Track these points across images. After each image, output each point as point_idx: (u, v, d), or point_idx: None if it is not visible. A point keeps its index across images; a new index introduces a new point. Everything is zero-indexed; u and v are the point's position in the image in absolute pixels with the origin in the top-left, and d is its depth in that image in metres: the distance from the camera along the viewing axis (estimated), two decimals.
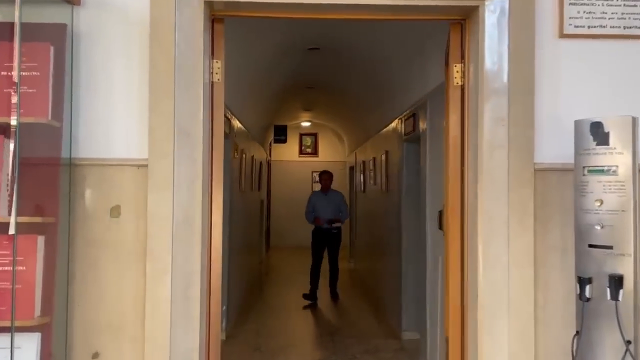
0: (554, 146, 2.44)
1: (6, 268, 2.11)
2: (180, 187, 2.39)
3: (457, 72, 2.74)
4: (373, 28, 4.91)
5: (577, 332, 2.18)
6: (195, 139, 2.45)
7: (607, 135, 2.08)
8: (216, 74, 2.64)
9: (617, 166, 2.06)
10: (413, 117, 4.82)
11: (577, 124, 2.19)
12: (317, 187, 8.47)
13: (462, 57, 2.73)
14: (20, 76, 2.12)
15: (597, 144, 2.10)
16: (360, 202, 9.23)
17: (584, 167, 2.15)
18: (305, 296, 7.33)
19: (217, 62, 2.64)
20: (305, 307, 7.14)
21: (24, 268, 2.13)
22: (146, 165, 2.37)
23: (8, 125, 2.11)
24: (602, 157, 2.09)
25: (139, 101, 2.39)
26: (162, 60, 2.37)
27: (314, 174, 12.13)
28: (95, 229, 2.37)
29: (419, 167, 5.33)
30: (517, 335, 2.41)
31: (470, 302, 2.60)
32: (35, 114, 2.18)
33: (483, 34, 2.50)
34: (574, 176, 2.21)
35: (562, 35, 2.45)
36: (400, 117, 5.48)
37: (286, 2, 2.49)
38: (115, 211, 2.38)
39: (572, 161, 2.42)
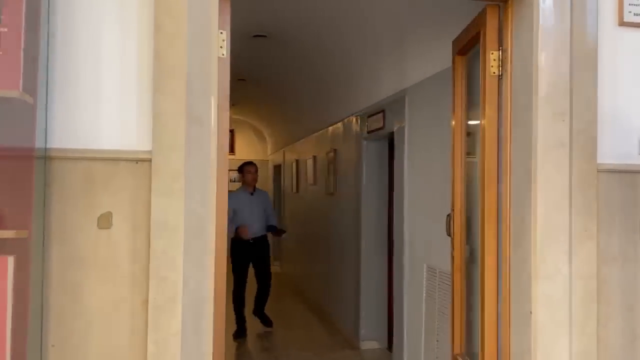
0: (615, 145, 2.21)
1: None
2: (192, 188, 1.86)
3: (494, 60, 2.44)
4: (341, 18, 4.54)
5: None
6: (208, 128, 1.93)
7: None
8: (221, 47, 2.11)
9: None
10: (382, 113, 4.50)
11: None
12: (235, 185, 5.95)
13: (500, 44, 2.44)
14: None
15: None
16: (291, 203, 8.80)
17: None
18: (236, 335, 5.52)
19: (222, 32, 2.11)
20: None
21: None
22: (149, 160, 1.80)
23: None
24: None
25: (139, 75, 1.82)
26: (172, 24, 1.82)
27: (231, 173, 11.48)
28: (78, 244, 1.76)
29: (381, 167, 5.07)
30: (581, 357, 2.14)
31: (516, 319, 2.31)
32: (4, 85, 1.55)
33: (537, 17, 2.21)
34: None
35: (622, 23, 2.23)
36: (359, 113, 5.15)
37: None
38: (104, 220, 1.79)
39: (634, 161, 2.23)
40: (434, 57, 3.59)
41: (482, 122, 2.50)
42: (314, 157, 7.04)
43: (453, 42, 3.00)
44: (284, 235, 6.23)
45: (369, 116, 4.85)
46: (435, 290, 3.57)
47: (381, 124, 4.52)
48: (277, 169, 10.36)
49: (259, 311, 5.87)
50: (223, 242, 2.06)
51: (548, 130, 2.19)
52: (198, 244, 1.87)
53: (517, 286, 2.31)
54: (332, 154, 6.16)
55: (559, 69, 2.18)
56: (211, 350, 1.91)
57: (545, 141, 2.19)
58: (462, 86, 2.95)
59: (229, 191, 4.15)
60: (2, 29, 1.56)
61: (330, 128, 6.28)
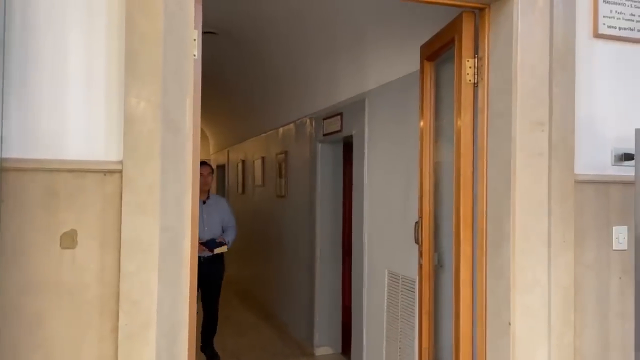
0: (590, 155, 2.23)
1: None
2: (167, 201, 1.69)
3: (470, 67, 2.41)
4: (297, 18, 4.43)
5: None
6: (183, 134, 1.77)
7: None
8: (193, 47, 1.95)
9: None
10: (340, 116, 4.43)
11: None
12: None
13: (476, 52, 2.41)
14: None
15: None
16: (237, 204, 8.54)
17: None
18: None
19: (195, 31, 1.95)
20: None
21: None
22: (119, 171, 1.63)
23: None
24: None
25: (108, 77, 1.64)
26: (147, 22, 1.65)
27: None
28: (38, 267, 1.56)
29: (336, 171, 5.00)
30: None
31: (493, 330, 2.29)
32: None
33: (517, 27, 2.19)
34: (637, 191, 2.01)
35: (597, 35, 2.25)
36: (314, 115, 5.06)
37: None
38: (68, 239, 1.60)
39: (609, 172, 2.26)
40: (397, 62, 3.55)
41: (457, 130, 2.47)
42: (263, 158, 6.88)
43: (421, 47, 2.96)
44: (216, 250, 4.41)
45: (325, 118, 4.76)
46: (397, 296, 3.53)
47: (339, 127, 4.45)
48: (221, 169, 10.10)
49: (207, 347, 4.72)
50: (195, 259, 1.91)
51: (527, 140, 2.18)
52: (173, 262, 1.71)
53: (494, 296, 2.29)
54: (282, 156, 6.03)
55: (538, 78, 2.18)
56: None
57: (524, 150, 2.18)
58: (431, 92, 2.92)
59: None
60: None
61: (282, 129, 6.15)
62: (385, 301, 3.69)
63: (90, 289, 1.61)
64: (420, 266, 2.95)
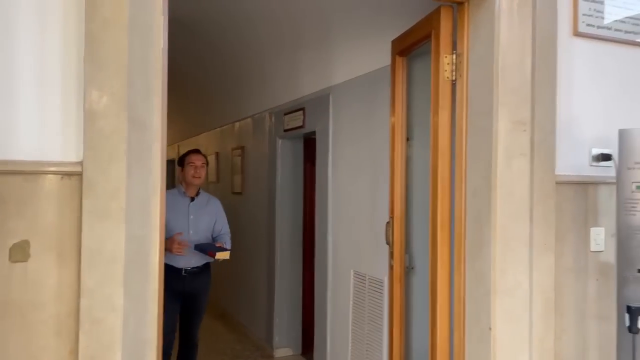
0: (570, 156, 2.19)
1: None
2: (134, 207, 1.52)
3: (448, 64, 2.33)
4: (257, 10, 4.25)
5: None
6: (151, 133, 1.59)
7: None
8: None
9: None
10: (302, 111, 4.29)
11: (624, 133, 1.96)
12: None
13: (454, 48, 2.33)
14: None
15: None
16: None
17: (633, 183, 1.92)
18: None
19: (162, 17, 1.77)
20: None
21: None
22: (79, 174, 1.44)
23: None
24: None
25: (65, 68, 1.44)
26: (110, 6, 1.46)
27: None
28: None
29: (297, 168, 4.86)
30: None
31: (472, 335, 2.23)
32: None
33: (499, 23, 2.12)
34: (619, 192, 1.98)
35: (577, 34, 2.21)
36: (274, 110, 4.90)
37: None
38: (19, 251, 1.40)
39: (587, 173, 2.23)
40: (364, 57, 3.45)
41: (435, 128, 2.38)
42: (217, 154, 6.65)
43: (393, 42, 2.86)
44: (218, 255, 3.38)
45: (286, 113, 4.61)
46: (364, 296, 3.44)
47: (301, 123, 4.31)
48: (171, 164, 9.75)
49: None
50: (162, 269, 1.73)
51: (509, 140, 2.12)
52: (139, 275, 1.54)
53: (473, 301, 2.22)
54: (239, 151, 5.83)
55: (520, 76, 2.11)
56: None
57: (506, 151, 2.12)
58: (403, 89, 2.83)
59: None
60: None
61: (238, 123, 5.95)
62: (351, 302, 3.59)
63: (46, 307, 1.42)
64: (391, 267, 2.86)
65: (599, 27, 2.25)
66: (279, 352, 4.86)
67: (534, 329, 2.10)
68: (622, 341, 1.95)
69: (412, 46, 2.67)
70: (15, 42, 1.40)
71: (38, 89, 1.42)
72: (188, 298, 3.59)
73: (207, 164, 3.77)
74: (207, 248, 3.46)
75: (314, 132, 4.20)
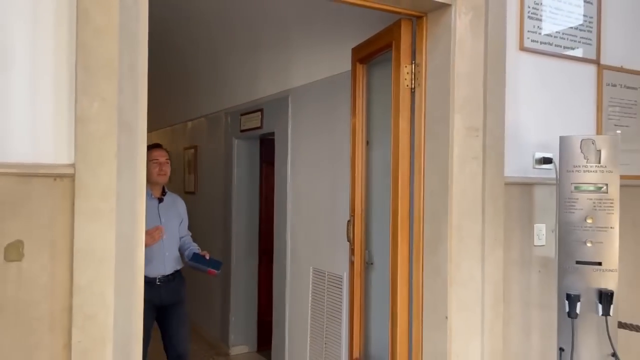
0: (516, 159, 2.41)
1: None
2: (122, 208, 1.59)
3: (408, 73, 2.50)
4: (215, 11, 4.32)
5: (561, 349, 2.18)
6: (136, 136, 1.67)
7: (599, 153, 2.11)
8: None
9: (607, 184, 2.11)
10: (260, 112, 4.38)
11: (565, 140, 2.19)
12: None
13: (413, 58, 2.51)
14: None
15: (589, 162, 2.12)
16: None
17: (572, 184, 2.15)
18: None
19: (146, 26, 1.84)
20: None
21: None
22: (71, 176, 1.50)
23: None
24: (593, 175, 2.12)
25: (57, 73, 1.50)
26: (102, 15, 1.52)
27: None
28: None
29: (253, 168, 4.94)
30: (490, 356, 2.31)
31: (430, 324, 2.41)
32: None
33: (455, 35, 2.31)
34: (559, 192, 2.20)
35: (522, 48, 2.43)
36: (230, 110, 4.96)
37: None
38: (13, 251, 1.45)
39: (530, 175, 2.46)
40: (323, 62, 3.59)
41: (395, 133, 2.55)
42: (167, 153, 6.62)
43: (353, 49, 3.02)
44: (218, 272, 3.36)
45: (243, 114, 4.69)
46: (324, 292, 3.58)
47: (259, 124, 4.40)
48: None
49: None
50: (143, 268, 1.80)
51: (463, 144, 2.31)
52: (127, 272, 1.62)
53: (431, 292, 2.40)
54: (192, 151, 5.85)
55: (474, 86, 2.31)
56: None
57: (461, 155, 2.31)
58: (363, 94, 2.99)
59: None
60: None
61: (190, 123, 5.96)
62: (310, 298, 3.72)
63: (40, 304, 1.47)
64: (352, 263, 3.02)
65: (541, 42, 2.48)
66: (235, 350, 4.93)
67: (485, 316, 2.31)
68: (562, 325, 2.18)
69: (373, 54, 2.84)
70: (9, 50, 1.44)
71: (32, 94, 1.47)
72: (167, 309, 3.29)
73: (169, 157, 3.48)
74: (202, 264, 3.26)
75: (271, 133, 4.30)
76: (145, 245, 2.94)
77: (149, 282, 3.04)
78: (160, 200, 3.36)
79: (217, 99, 5.22)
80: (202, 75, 5.40)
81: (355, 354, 3.02)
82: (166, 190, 3.44)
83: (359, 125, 2.99)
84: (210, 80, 5.28)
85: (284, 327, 4.06)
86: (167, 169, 3.36)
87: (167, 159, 3.39)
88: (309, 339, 3.74)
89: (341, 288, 3.39)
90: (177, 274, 3.33)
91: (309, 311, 3.74)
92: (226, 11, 4.46)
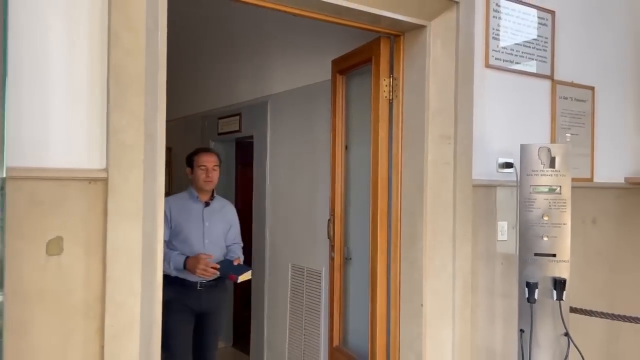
0: (482, 164, 2.71)
1: None
2: (146, 208, 1.79)
3: (387, 86, 2.77)
4: (196, 17, 4.49)
5: (522, 330, 2.49)
6: (156, 144, 1.87)
7: (554, 159, 2.43)
8: None
9: (561, 186, 2.44)
10: (239, 116, 4.58)
11: (525, 147, 2.50)
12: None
13: (391, 72, 2.78)
14: None
15: (545, 167, 2.44)
16: None
17: (531, 186, 2.46)
18: None
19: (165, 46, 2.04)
20: None
21: None
22: (104, 179, 1.69)
23: None
24: (548, 178, 2.44)
25: (90, 89, 1.69)
26: (131, 38, 1.72)
27: None
28: (24, 275, 1.58)
29: (229, 170, 5.12)
30: (459, 339, 2.60)
31: (407, 311, 2.69)
32: None
33: (429, 53, 2.60)
34: (520, 193, 2.52)
35: (488, 65, 2.74)
36: (207, 113, 5.13)
37: None
38: (53, 246, 1.63)
39: (494, 178, 2.76)
40: (302, 71, 3.83)
41: (375, 140, 2.81)
42: None
43: (333, 61, 3.27)
44: (239, 278, 3.08)
45: (220, 118, 4.88)
46: (302, 287, 3.82)
47: (237, 127, 4.60)
48: None
49: None
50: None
51: (437, 151, 2.60)
52: (150, 265, 1.82)
53: (407, 283, 2.68)
54: (166, 152, 5.97)
55: (446, 99, 2.60)
56: None
57: (435, 160, 2.60)
58: (342, 102, 3.25)
59: (169, 196, 3.02)
60: None
61: (166, 124, 6.07)
62: (289, 293, 3.96)
63: (76, 293, 1.66)
64: (332, 259, 3.28)
65: (503, 60, 2.80)
66: None
67: (455, 304, 2.59)
68: (523, 310, 2.49)
69: (353, 67, 3.10)
70: (50, 71, 1.63)
71: (69, 108, 1.65)
72: (204, 316, 3.21)
73: (220, 162, 3.33)
74: (226, 271, 3.09)
75: (249, 136, 4.51)
76: (196, 274, 2.93)
77: (189, 285, 3.09)
78: (207, 204, 3.27)
79: (195, 102, 5.38)
80: (180, 79, 5.55)
81: (335, 342, 3.27)
82: (215, 195, 3.35)
83: (338, 131, 3.25)
84: (188, 84, 5.44)
85: (262, 321, 4.28)
86: (215, 176, 3.25)
87: (215, 165, 3.27)
88: (287, 331, 3.98)
89: (320, 282, 3.64)
90: (219, 280, 3.21)
91: (288, 305, 3.97)
92: (207, 18, 4.65)
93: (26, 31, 1.60)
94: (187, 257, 3.04)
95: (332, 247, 3.29)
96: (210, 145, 5.08)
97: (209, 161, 3.24)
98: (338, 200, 3.24)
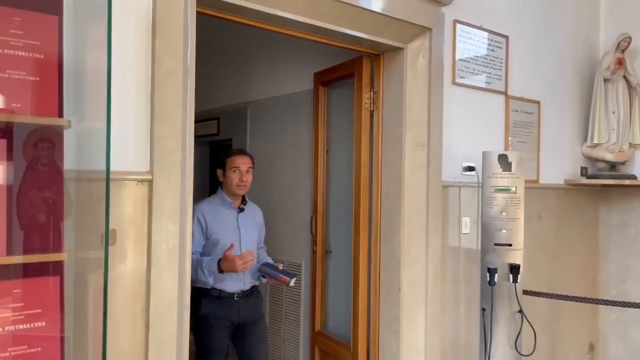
0: (449, 168, 3.14)
1: (24, 326, 1.52)
2: (182, 208, 2.10)
3: (368, 98, 3.16)
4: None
5: (484, 308, 2.93)
6: (188, 150, 2.17)
7: (510, 164, 2.89)
8: None
9: (516, 187, 2.89)
10: (217, 120, 4.86)
11: (486, 154, 2.94)
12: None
13: (372, 86, 3.17)
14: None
15: (503, 170, 2.89)
16: None
17: (491, 187, 2.91)
18: None
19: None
20: None
21: (44, 324, 1.57)
22: (149, 181, 1.99)
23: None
24: (506, 179, 2.89)
25: (137, 103, 1.99)
26: (172, 60, 2.02)
27: None
28: (87, 263, 1.86)
29: (204, 172, 5.38)
30: (431, 319, 3.02)
31: (386, 295, 3.08)
32: (42, 112, 1.61)
33: (405, 72, 3.00)
34: (482, 193, 2.95)
35: (454, 83, 3.17)
36: None
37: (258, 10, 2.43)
38: (110, 237, 1.91)
39: (459, 180, 3.20)
40: (282, 81, 4.17)
41: (357, 146, 3.19)
42: None
43: (315, 74, 3.64)
44: (292, 281, 2.96)
45: (198, 121, 5.11)
46: None
47: (215, 130, 4.88)
48: None
49: None
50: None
51: (412, 156, 3.00)
52: (182, 256, 2.12)
53: (387, 271, 3.08)
54: None
55: (420, 111, 3.01)
56: (187, 352, 2.18)
57: (411, 164, 3.00)
58: (324, 111, 3.61)
59: (201, 201, 2.95)
60: (37, 55, 1.62)
61: None
62: (269, 285, 4.27)
63: (126, 278, 1.94)
64: (314, 252, 3.64)
65: (467, 78, 3.24)
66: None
67: (428, 289, 3.01)
68: (484, 291, 2.93)
69: (335, 80, 3.47)
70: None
71: (120, 121, 1.94)
72: (244, 327, 3.06)
73: (254, 165, 3.16)
74: (274, 272, 2.98)
75: (227, 139, 4.80)
76: (239, 271, 2.77)
77: (226, 297, 2.97)
78: (241, 209, 3.12)
79: None
80: None
81: (317, 327, 3.63)
82: (246, 199, 3.20)
83: (320, 136, 3.61)
84: None
85: None
86: (248, 179, 3.08)
87: (249, 167, 3.08)
88: (267, 319, 4.29)
89: (300, 274, 3.98)
90: (254, 289, 3.14)
91: (268, 296, 4.29)
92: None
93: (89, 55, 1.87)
94: (219, 261, 2.86)
95: (314, 241, 3.65)
96: None
97: (242, 163, 3.06)
98: (320, 198, 3.60)
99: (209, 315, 2.95)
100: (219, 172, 3.13)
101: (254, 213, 3.23)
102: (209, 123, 4.96)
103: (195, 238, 2.94)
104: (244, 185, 3.05)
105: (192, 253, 2.77)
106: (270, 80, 4.32)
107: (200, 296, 2.94)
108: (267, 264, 3.08)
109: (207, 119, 5.00)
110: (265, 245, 3.36)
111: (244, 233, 3.06)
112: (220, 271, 2.86)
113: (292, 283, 2.92)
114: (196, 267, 2.85)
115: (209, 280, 2.90)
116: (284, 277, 2.92)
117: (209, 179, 5.40)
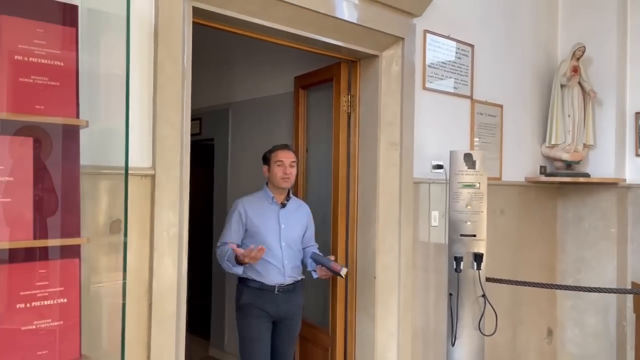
0: (420, 166, 3.42)
1: (48, 302, 1.72)
2: (179, 201, 2.31)
3: (346, 102, 3.42)
4: None
5: (450, 294, 3.22)
6: (185, 148, 2.39)
7: (475, 162, 3.18)
8: None
9: (479, 183, 3.19)
10: (199, 120, 5.06)
11: (453, 153, 3.23)
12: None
13: (349, 90, 3.43)
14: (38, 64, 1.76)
15: (468, 168, 3.18)
16: None
17: (458, 183, 3.20)
18: None
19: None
20: None
21: (65, 300, 1.77)
22: (152, 176, 2.21)
23: (33, 126, 1.73)
24: (471, 176, 3.18)
25: (141, 105, 2.20)
26: (172, 66, 2.24)
27: None
28: (99, 249, 2.06)
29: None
30: (404, 304, 3.29)
31: (362, 282, 3.34)
32: (61, 113, 1.82)
33: (380, 78, 3.27)
34: (450, 188, 3.24)
35: (425, 88, 3.45)
36: None
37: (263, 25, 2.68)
38: (116, 226, 2.12)
39: (429, 176, 3.49)
40: (263, 84, 4.40)
41: (336, 146, 3.44)
42: None
43: (296, 78, 3.88)
44: (344, 271, 3.01)
45: None
46: None
47: (198, 130, 5.07)
48: None
49: None
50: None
51: (386, 155, 3.27)
52: (179, 245, 2.33)
53: (363, 259, 3.34)
54: None
55: (393, 113, 3.28)
56: (184, 331, 2.39)
57: (385, 162, 3.27)
58: (304, 113, 3.86)
59: (243, 197, 3.09)
60: (57, 63, 1.83)
61: None
62: None
63: (130, 263, 2.15)
64: None
65: (436, 83, 3.53)
66: None
67: (400, 276, 3.28)
68: (451, 278, 3.22)
69: (315, 84, 3.72)
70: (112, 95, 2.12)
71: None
72: (281, 323, 3.12)
73: (298, 160, 3.26)
74: (325, 261, 3.03)
75: (209, 139, 5.00)
76: (255, 261, 2.80)
77: (267, 290, 3.03)
78: (283, 205, 3.17)
79: None
80: None
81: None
82: (291, 195, 3.24)
83: (300, 137, 3.86)
84: None
85: (223, 305, 4.78)
86: (293, 173, 3.13)
87: (293, 161, 3.14)
88: None
89: None
90: (297, 284, 3.16)
91: None
92: None
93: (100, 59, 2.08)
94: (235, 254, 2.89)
95: None
96: None
97: (286, 157, 3.13)
98: (300, 194, 3.84)
99: (248, 305, 3.04)
100: (264, 168, 3.21)
101: (298, 209, 3.25)
102: (192, 123, 5.13)
103: (232, 229, 3.08)
104: (288, 178, 3.11)
105: (223, 243, 3.04)
106: (251, 83, 4.54)
107: (243, 286, 3.08)
108: (318, 255, 3.10)
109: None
110: (315, 243, 3.36)
111: (284, 228, 3.11)
112: (240, 263, 2.91)
113: (343, 273, 2.96)
114: (223, 256, 2.98)
115: (236, 270, 2.97)
116: (336, 266, 2.97)
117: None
